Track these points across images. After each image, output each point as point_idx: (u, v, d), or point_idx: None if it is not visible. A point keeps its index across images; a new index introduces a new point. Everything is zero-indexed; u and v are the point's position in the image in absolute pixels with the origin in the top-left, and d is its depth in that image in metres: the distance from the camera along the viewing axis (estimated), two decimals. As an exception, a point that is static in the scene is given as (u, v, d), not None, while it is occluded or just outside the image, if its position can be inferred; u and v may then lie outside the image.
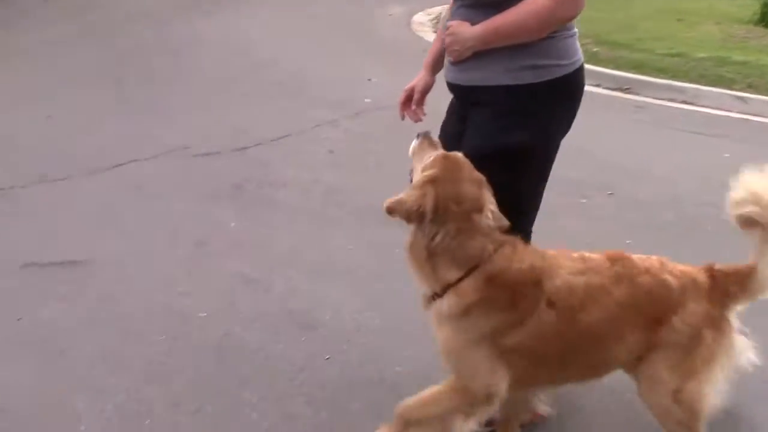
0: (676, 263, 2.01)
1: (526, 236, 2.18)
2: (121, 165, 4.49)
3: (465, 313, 1.92)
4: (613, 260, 1.99)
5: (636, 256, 2.01)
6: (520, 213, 2.13)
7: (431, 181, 1.94)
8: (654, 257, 2.02)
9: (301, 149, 4.95)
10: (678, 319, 1.92)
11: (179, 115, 5.61)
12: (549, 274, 1.93)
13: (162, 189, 4.17)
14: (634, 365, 1.98)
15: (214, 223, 3.78)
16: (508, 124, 2.12)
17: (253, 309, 2.99)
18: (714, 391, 1.95)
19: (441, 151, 2.07)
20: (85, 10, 10.37)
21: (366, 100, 5.86)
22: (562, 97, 2.16)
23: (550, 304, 1.90)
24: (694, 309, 1.92)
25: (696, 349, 1.92)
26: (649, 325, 1.93)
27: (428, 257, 1.94)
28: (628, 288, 1.93)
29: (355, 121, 5.54)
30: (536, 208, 2.29)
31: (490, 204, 1.96)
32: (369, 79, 6.53)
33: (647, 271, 1.95)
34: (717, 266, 1.98)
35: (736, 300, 1.95)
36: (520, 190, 2.17)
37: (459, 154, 2.05)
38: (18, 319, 2.88)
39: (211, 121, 5.51)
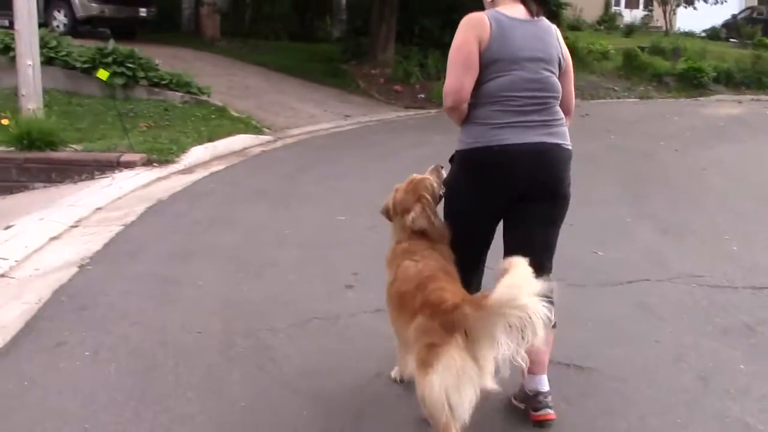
0: (458, 291, 2.65)
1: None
2: (632, 282, 4.61)
3: (386, 266, 3.03)
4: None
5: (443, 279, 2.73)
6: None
7: (395, 191, 3.12)
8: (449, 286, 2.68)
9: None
10: (412, 325, 2.63)
11: (696, 241, 5.56)
12: (409, 256, 2.88)
13: (669, 313, 4.16)
14: None
15: (720, 361, 3.60)
16: None
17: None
18: (444, 392, 2.40)
19: (417, 175, 3.11)
20: (611, 131, 11.04)
21: None
22: (462, 166, 2.99)
23: (399, 267, 2.89)
24: (420, 321, 2.59)
25: (419, 351, 2.53)
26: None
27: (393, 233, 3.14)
28: (414, 287, 2.73)
29: None
30: (460, 257, 2.97)
31: (413, 212, 2.98)
32: None
33: (421, 285, 2.71)
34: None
35: (468, 322, 2.43)
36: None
37: (425, 178, 3.09)
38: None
39: (729, 252, 5.32)
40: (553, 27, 3.04)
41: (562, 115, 2.99)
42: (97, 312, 3.97)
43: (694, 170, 8.32)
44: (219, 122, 9.88)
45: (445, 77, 2.95)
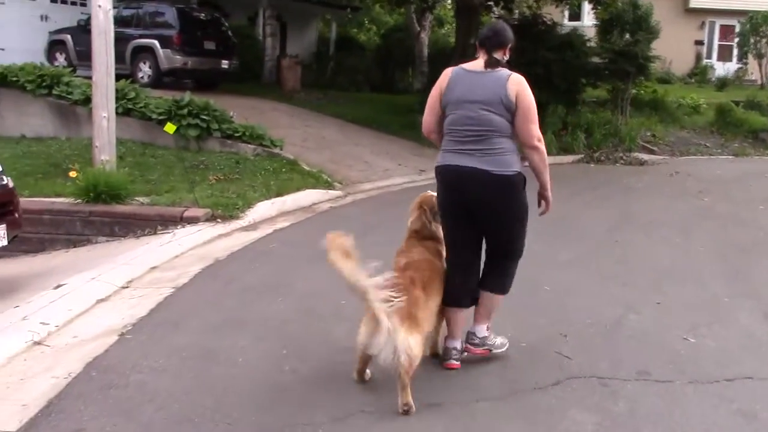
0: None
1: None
2: (732, 380, 3.95)
3: None
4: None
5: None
6: None
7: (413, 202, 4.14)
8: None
9: None
10: None
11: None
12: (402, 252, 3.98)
13: (778, 423, 3.52)
14: None
15: None
16: None
17: None
18: None
19: (426, 192, 4.13)
20: (704, 192, 10.29)
21: None
22: (436, 180, 4.00)
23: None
24: None
25: None
26: None
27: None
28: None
29: None
30: (449, 251, 4.03)
31: (412, 217, 4.06)
32: None
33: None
34: None
35: None
36: None
37: (429, 195, 4.07)
38: None
39: None
40: (506, 77, 3.78)
41: (502, 146, 3.77)
42: (126, 392, 3.65)
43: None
44: (289, 176, 9.67)
45: None
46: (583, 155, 14.31)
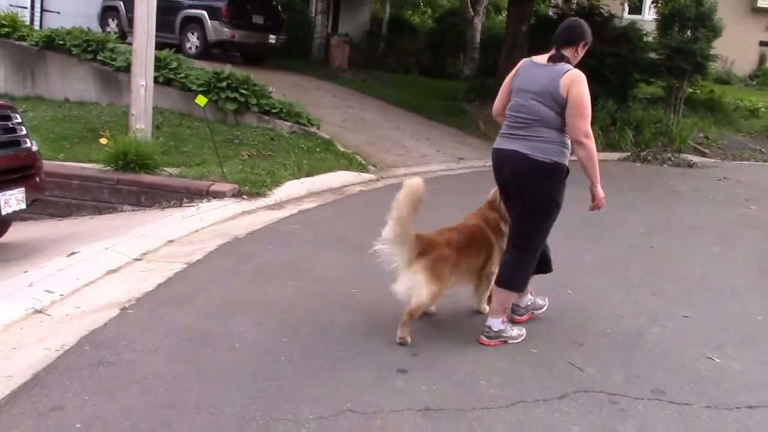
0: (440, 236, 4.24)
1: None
2: (754, 407, 3.63)
3: None
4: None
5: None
6: None
7: None
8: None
9: None
10: None
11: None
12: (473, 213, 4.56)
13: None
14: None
15: None
16: None
17: None
18: None
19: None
20: (751, 200, 9.82)
21: None
22: None
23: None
24: None
25: None
26: None
27: None
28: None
29: None
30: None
31: (488, 197, 4.54)
32: None
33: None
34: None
35: None
36: None
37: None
38: None
39: None
40: (563, 71, 3.92)
41: (547, 134, 3.95)
42: (114, 371, 3.55)
43: None
44: (322, 156, 9.54)
45: None
46: (629, 153, 13.88)
